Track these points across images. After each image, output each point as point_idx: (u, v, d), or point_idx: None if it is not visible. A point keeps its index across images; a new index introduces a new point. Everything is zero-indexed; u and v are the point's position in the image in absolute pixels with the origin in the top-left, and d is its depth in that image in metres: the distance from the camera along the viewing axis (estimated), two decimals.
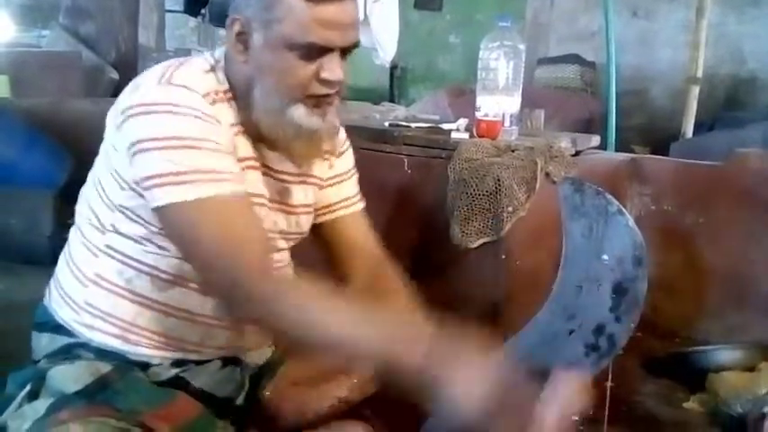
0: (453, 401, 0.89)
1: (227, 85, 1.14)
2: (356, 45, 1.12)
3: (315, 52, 1.07)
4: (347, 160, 1.36)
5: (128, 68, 4.35)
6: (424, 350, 0.92)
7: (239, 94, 1.14)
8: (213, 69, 1.14)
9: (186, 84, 1.07)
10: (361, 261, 1.32)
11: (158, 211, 1.06)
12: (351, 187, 1.36)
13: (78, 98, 3.46)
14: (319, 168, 1.29)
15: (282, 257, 1.28)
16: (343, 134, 1.31)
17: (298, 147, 1.15)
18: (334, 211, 1.33)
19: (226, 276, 1.03)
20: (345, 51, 1.11)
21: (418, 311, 1.21)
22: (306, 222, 1.29)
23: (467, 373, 0.89)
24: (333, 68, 1.09)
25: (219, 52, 1.17)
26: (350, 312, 1.01)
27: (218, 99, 1.11)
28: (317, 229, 1.33)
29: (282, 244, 1.27)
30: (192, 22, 6.09)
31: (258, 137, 1.16)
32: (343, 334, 0.98)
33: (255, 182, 1.17)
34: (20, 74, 3.74)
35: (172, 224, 1.07)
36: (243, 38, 1.10)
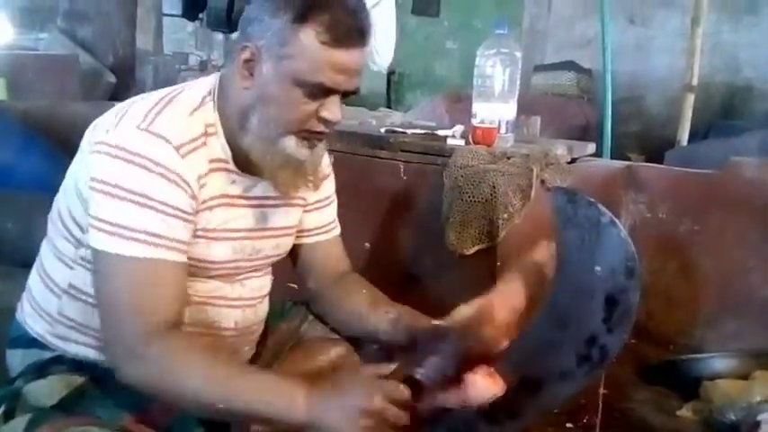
0: None
1: (213, 118, 1.15)
2: (357, 91, 1.15)
3: (320, 92, 1.10)
4: (330, 185, 1.39)
5: (125, 72, 4.36)
6: (301, 402, 1.01)
7: (230, 121, 1.15)
8: (203, 103, 1.15)
9: (163, 133, 1.08)
10: (331, 282, 1.37)
11: (91, 250, 1.08)
12: (331, 213, 1.39)
13: (75, 101, 3.46)
14: (305, 190, 1.30)
15: (264, 281, 1.32)
16: (326, 159, 1.33)
17: (283, 175, 1.16)
18: (313, 235, 1.37)
19: (120, 338, 1.05)
20: (346, 94, 1.14)
21: (385, 300, 1.31)
22: (287, 244, 1.32)
23: (340, 413, 0.99)
24: (333, 110, 1.12)
25: (215, 77, 1.19)
26: (230, 374, 1.05)
27: (195, 146, 1.11)
28: (293, 248, 1.36)
29: (264, 266, 1.30)
30: (190, 26, 6.08)
31: (241, 166, 1.18)
32: (224, 395, 1.03)
33: (233, 217, 1.19)
34: (17, 77, 3.75)
35: (96, 268, 1.09)
36: (250, 65, 1.11)
